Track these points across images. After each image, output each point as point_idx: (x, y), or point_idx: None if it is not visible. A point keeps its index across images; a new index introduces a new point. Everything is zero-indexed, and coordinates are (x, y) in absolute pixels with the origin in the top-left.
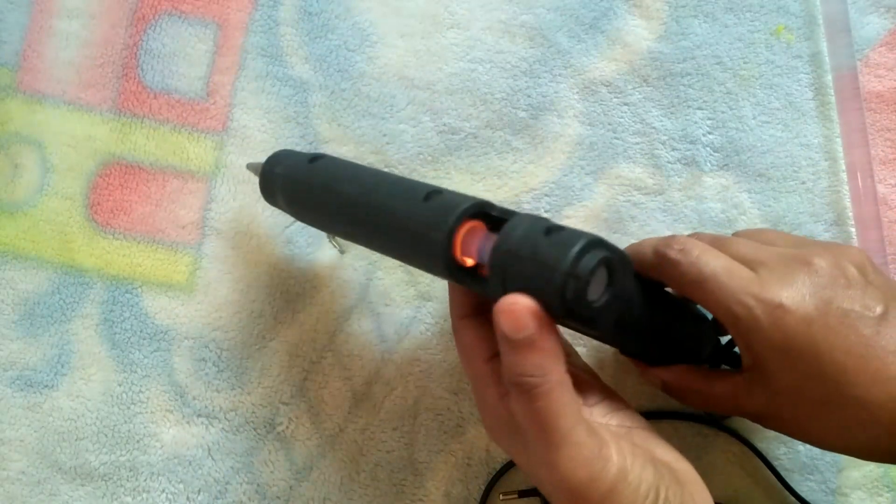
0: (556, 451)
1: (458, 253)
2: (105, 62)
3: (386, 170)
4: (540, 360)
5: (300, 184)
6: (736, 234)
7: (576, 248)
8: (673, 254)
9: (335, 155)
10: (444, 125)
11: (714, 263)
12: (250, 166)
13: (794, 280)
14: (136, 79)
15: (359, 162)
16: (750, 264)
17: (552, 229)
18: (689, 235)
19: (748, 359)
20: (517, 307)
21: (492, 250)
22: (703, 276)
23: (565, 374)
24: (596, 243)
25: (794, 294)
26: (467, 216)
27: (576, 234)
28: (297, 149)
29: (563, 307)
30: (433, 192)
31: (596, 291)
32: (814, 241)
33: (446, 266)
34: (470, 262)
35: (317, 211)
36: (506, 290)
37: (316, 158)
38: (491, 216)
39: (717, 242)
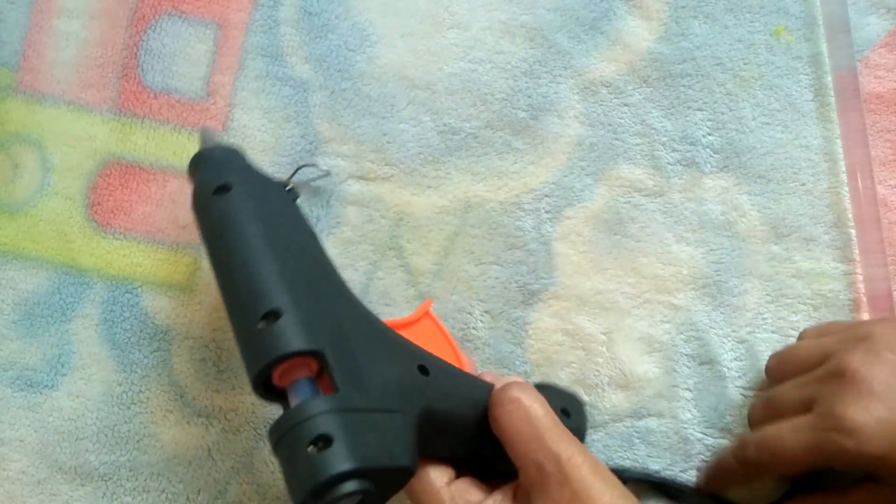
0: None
1: (273, 379)
2: (105, 62)
3: (386, 167)
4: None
5: (198, 209)
6: (804, 334)
7: (322, 478)
8: (751, 453)
9: (335, 155)
10: (445, 125)
11: (782, 437)
12: (205, 133)
13: (843, 395)
14: (136, 79)
15: (359, 161)
16: (805, 401)
17: (322, 440)
18: (777, 355)
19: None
20: (509, 383)
21: (272, 426)
22: (780, 452)
23: None
24: (354, 474)
25: (846, 405)
26: (289, 357)
27: (338, 458)
28: (297, 149)
29: None
30: (272, 314)
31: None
32: (854, 332)
33: (257, 391)
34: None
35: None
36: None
37: (222, 190)
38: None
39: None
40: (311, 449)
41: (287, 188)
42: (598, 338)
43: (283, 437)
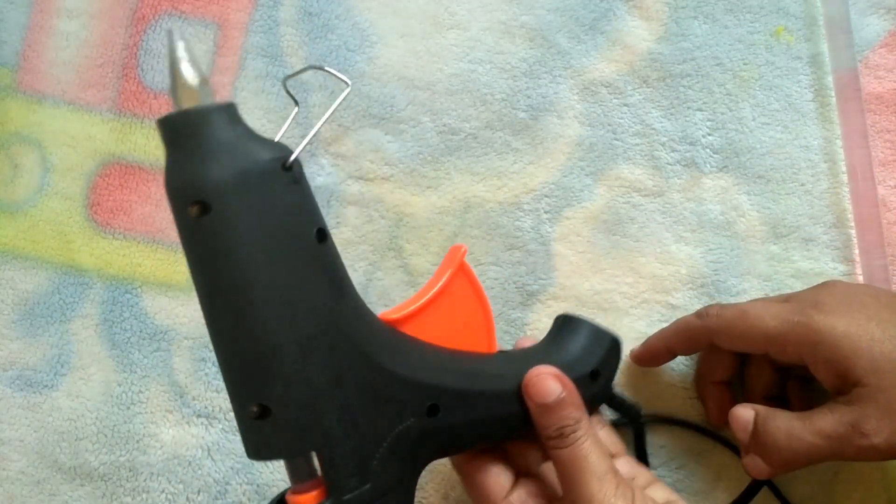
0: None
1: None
2: (105, 62)
3: (386, 167)
4: (572, 411)
5: (176, 217)
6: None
7: None
8: (714, 310)
9: (336, 155)
10: (444, 125)
11: (748, 303)
12: (171, 38)
13: (817, 292)
14: (136, 79)
15: (359, 161)
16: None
17: None
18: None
19: (836, 379)
20: (542, 376)
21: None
22: (756, 323)
23: (592, 428)
24: None
25: (823, 296)
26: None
27: None
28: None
29: None
30: (261, 408)
31: None
32: None
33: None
34: None
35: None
36: None
37: (201, 208)
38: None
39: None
40: None
41: (287, 166)
42: None
43: None
